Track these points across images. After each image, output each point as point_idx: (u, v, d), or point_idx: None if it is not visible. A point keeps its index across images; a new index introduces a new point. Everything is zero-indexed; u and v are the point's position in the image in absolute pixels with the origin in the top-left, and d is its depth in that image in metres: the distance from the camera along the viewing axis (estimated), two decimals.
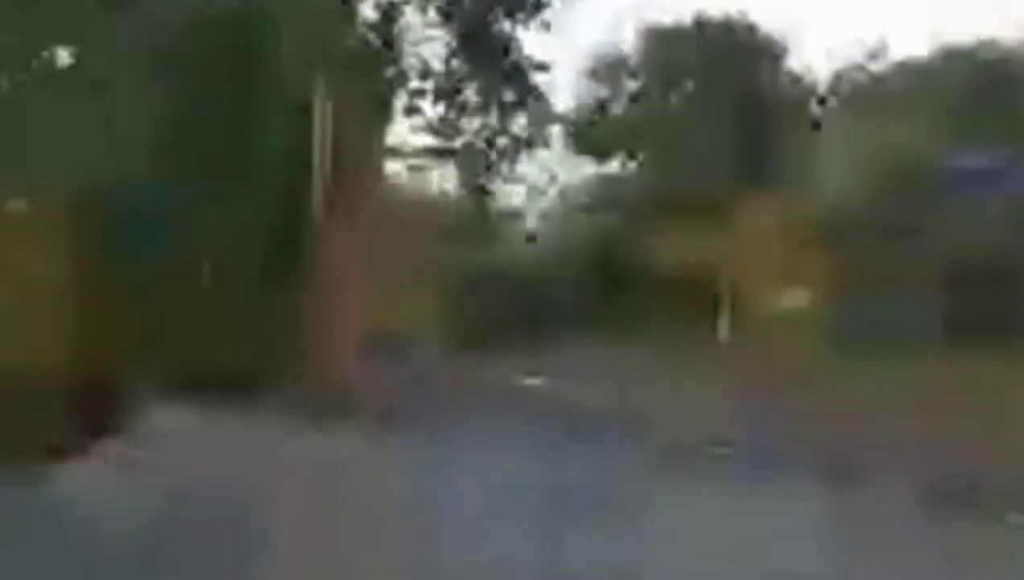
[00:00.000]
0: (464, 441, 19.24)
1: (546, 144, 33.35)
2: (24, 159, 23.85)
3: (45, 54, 27.40)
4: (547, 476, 14.76)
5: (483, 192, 33.89)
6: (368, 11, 28.99)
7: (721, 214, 49.52)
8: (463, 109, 31.57)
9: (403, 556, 10.03)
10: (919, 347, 31.53)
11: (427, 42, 30.76)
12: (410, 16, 30.17)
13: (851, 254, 43.24)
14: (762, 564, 9.73)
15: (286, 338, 34.80)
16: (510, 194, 61.20)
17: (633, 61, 61.97)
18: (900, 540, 11.13)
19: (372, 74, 27.89)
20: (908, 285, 37.23)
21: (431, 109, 31.62)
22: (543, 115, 32.32)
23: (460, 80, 31.16)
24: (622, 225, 58.51)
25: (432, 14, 30.36)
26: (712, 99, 57.91)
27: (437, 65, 30.93)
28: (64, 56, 27.90)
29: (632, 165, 61.35)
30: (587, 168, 61.83)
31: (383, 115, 28.95)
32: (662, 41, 61.13)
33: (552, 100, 33.13)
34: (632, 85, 62.09)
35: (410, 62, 30.95)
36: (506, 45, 31.05)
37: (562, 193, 61.03)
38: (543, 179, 36.71)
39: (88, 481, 11.18)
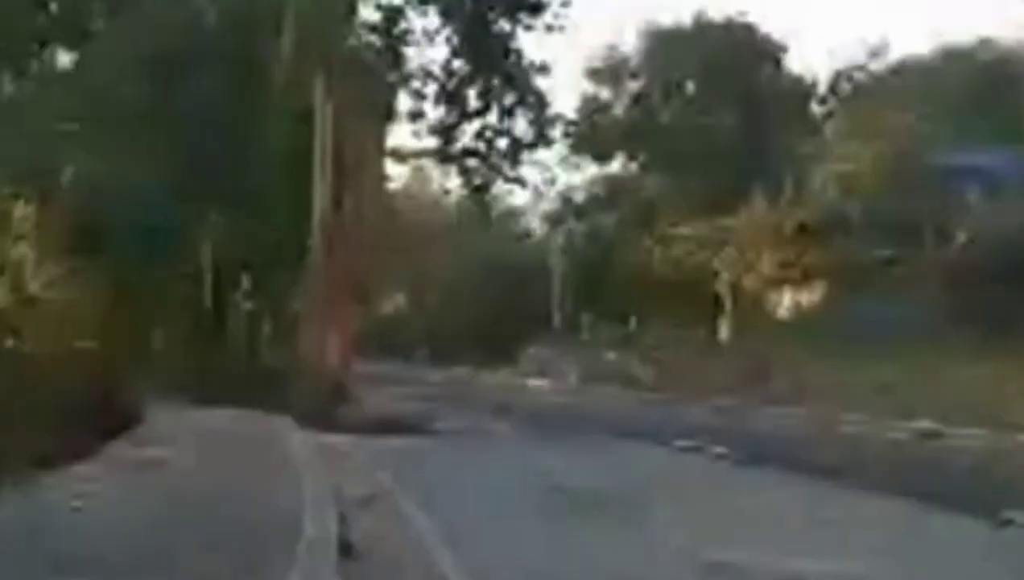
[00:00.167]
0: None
1: (547, 145, 33.30)
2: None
3: (46, 56, 27.51)
4: None
5: (484, 193, 33.89)
6: (369, 13, 29.05)
7: (722, 213, 49.66)
8: (464, 111, 31.59)
9: None
10: (922, 345, 31.60)
11: (428, 44, 30.80)
12: (411, 18, 30.23)
13: (852, 252, 43.40)
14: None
15: (283, 341, 34.88)
16: (511, 195, 61.40)
17: (634, 62, 62.18)
18: None
19: (373, 76, 27.92)
20: (911, 283, 37.30)
21: (432, 111, 31.67)
22: (544, 116, 32.31)
23: (461, 82, 31.19)
24: (623, 225, 58.69)
25: (433, 16, 30.40)
26: (713, 99, 58.07)
27: (438, 68, 30.98)
28: (64, 59, 28.03)
29: (633, 166, 61.50)
30: (588, 169, 62.12)
31: (384, 117, 28.98)
32: (663, 42, 61.33)
33: (553, 101, 33.02)
34: (633, 86, 62.27)
35: (411, 65, 31.01)
36: (507, 47, 31.07)
37: (563, 194, 61.24)
38: (544, 180, 36.62)
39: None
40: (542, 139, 33.02)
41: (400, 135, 42.07)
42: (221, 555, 7.55)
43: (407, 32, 30.50)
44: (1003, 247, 34.84)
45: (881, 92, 55.27)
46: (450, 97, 31.32)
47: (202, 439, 15.69)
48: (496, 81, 31.19)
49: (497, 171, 32.58)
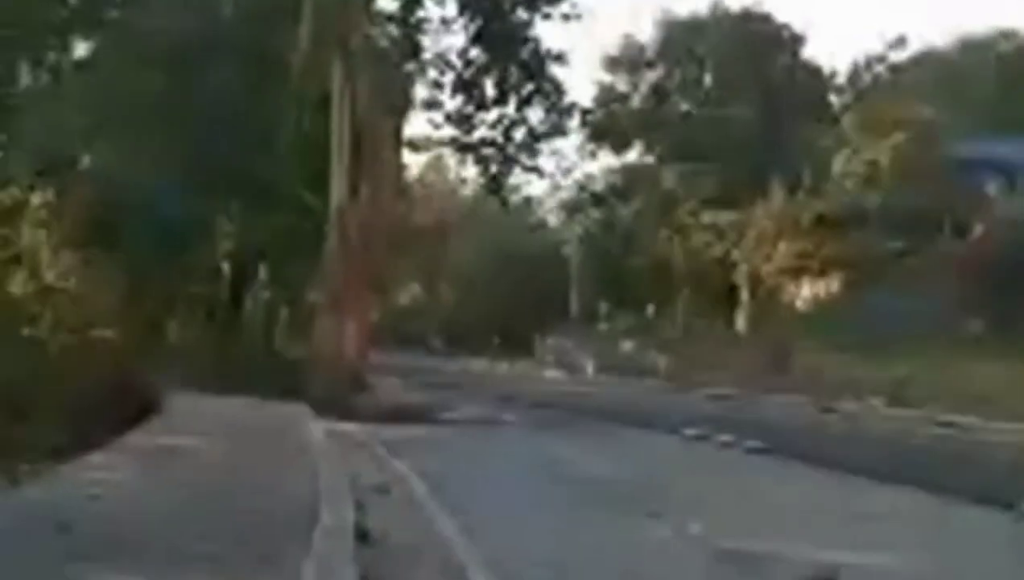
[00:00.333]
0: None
1: (564, 134, 33.29)
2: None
3: (63, 47, 27.54)
4: None
5: (501, 182, 33.86)
6: (387, 2, 29.05)
7: (739, 204, 49.58)
8: (481, 100, 31.59)
9: None
10: (938, 337, 31.50)
11: (445, 33, 30.80)
12: (429, 7, 30.23)
13: (870, 244, 43.27)
14: None
15: (300, 330, 34.92)
16: (528, 184, 61.36)
17: (650, 51, 62.06)
18: None
19: (391, 66, 27.91)
20: (928, 275, 37.17)
21: (449, 100, 31.68)
22: (560, 106, 32.28)
23: (478, 71, 31.18)
24: (640, 215, 58.62)
25: (450, 5, 30.40)
26: (730, 90, 57.92)
27: (455, 56, 30.98)
28: (81, 50, 28.05)
29: (650, 156, 61.39)
30: (605, 158, 62.05)
31: (402, 107, 28.96)
32: (679, 31, 61.23)
33: (570, 91, 32.98)
34: (650, 75, 62.16)
35: (428, 54, 31.02)
36: (524, 36, 31.05)
37: (580, 184, 61.17)
38: (561, 170, 36.67)
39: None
40: (559, 129, 33.00)
41: (417, 124, 42.23)
42: (238, 542, 7.59)
43: (424, 21, 30.54)
44: (1021, 239, 34.73)
45: (900, 84, 55.11)
46: (467, 86, 31.33)
47: (219, 428, 15.73)
48: (513, 70, 31.18)
49: (514, 160, 32.58)
